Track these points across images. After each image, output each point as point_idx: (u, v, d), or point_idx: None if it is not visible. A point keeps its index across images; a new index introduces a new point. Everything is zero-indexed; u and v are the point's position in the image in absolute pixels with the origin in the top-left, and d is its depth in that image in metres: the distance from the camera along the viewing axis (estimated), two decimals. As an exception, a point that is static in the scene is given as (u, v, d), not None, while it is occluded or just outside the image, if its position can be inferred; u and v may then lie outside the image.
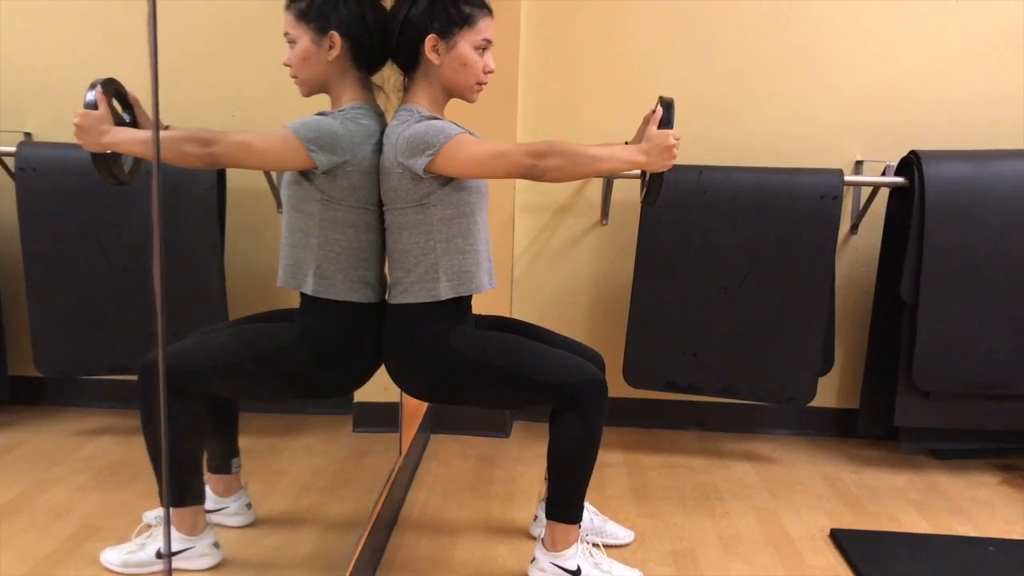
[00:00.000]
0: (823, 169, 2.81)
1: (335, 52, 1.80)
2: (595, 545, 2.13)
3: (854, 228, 3.07)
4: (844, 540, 2.31)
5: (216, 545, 1.91)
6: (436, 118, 1.84)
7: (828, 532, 2.39)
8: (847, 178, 2.81)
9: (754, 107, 3.03)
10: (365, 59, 1.86)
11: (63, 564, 1.76)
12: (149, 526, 1.88)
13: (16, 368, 2.01)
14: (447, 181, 1.81)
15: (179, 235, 2.07)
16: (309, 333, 1.84)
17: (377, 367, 1.97)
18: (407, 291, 1.87)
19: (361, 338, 1.89)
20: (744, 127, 3.04)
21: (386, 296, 1.93)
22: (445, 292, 1.86)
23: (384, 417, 2.59)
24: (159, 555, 1.79)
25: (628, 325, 2.87)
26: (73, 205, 1.91)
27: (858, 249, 3.10)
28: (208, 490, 2.02)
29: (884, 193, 2.93)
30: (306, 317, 1.86)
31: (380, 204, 1.86)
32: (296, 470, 2.47)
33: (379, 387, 2.05)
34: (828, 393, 3.16)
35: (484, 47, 1.87)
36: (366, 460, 2.62)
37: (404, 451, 2.58)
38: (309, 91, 1.87)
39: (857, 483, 2.76)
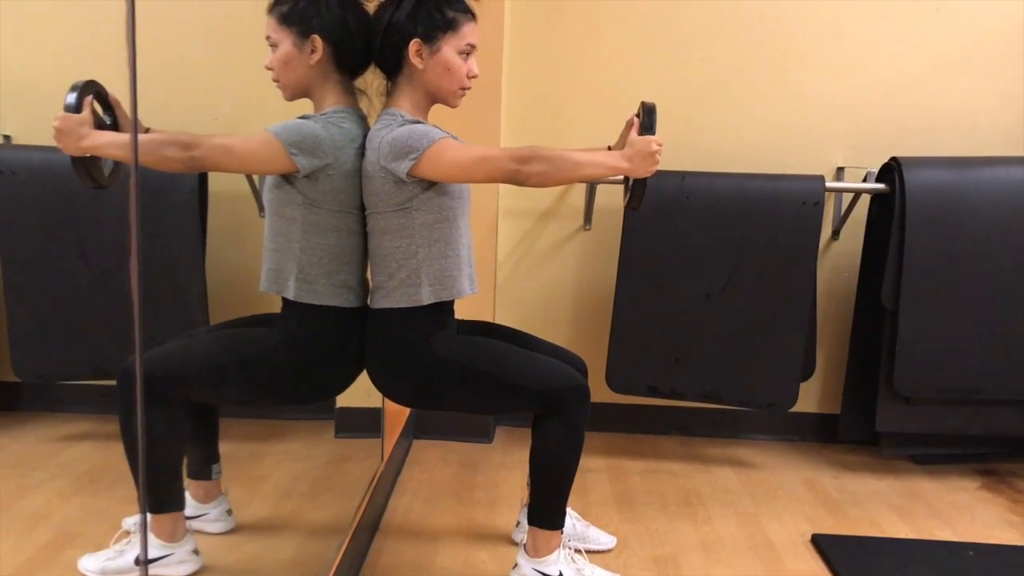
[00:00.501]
0: (805, 175, 2.83)
1: (317, 56, 1.80)
2: (577, 551, 2.13)
3: (835, 234, 3.09)
4: (825, 545, 2.32)
5: (196, 552, 1.89)
6: (419, 122, 1.84)
7: (809, 537, 2.40)
8: (828, 184, 2.82)
9: (736, 113, 3.04)
10: (347, 63, 1.86)
11: (40, 571, 1.74)
12: (128, 533, 1.86)
13: (-6, 373, 1.99)
14: (430, 185, 1.81)
15: (160, 239, 2.06)
16: (290, 338, 1.83)
17: (359, 372, 1.96)
18: (389, 296, 1.86)
19: (343, 343, 1.88)
20: (726, 133, 3.06)
21: (368, 301, 1.93)
22: (427, 297, 1.85)
23: (366, 422, 2.58)
24: (138, 562, 1.78)
25: (611, 330, 2.88)
26: (52, 208, 1.89)
27: (839, 255, 3.12)
28: (188, 496, 2.00)
29: (865, 199, 2.95)
30: (288, 322, 1.85)
31: (362, 208, 1.85)
32: (277, 476, 2.45)
33: (361, 392, 2.04)
34: (809, 399, 3.18)
35: (468, 52, 1.87)
36: (348, 466, 2.61)
37: (386, 457, 2.57)
38: (291, 95, 1.86)
39: (838, 488, 2.77)
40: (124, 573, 1.80)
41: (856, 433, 3.03)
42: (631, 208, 1.96)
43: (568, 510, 2.11)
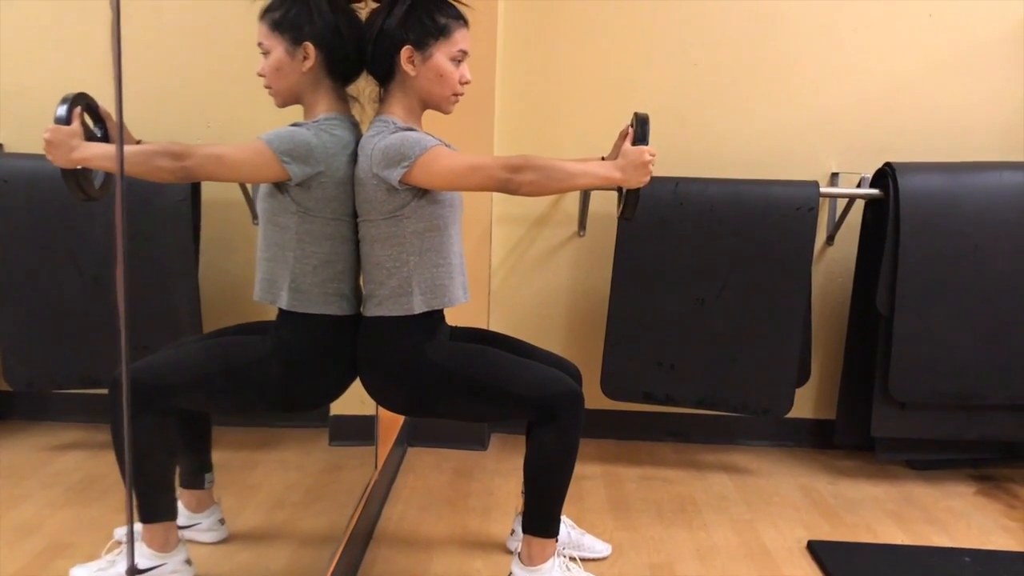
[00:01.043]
0: (799, 181, 2.83)
1: (309, 63, 1.79)
2: (572, 559, 2.12)
3: (830, 240, 3.09)
4: (821, 552, 2.31)
5: (188, 562, 1.88)
6: (412, 129, 1.83)
7: (805, 544, 2.39)
8: (823, 190, 2.82)
9: (731, 119, 3.04)
10: (339, 70, 1.85)
11: (32, 582, 1.74)
12: (120, 543, 1.85)
13: (-16, 382, 1.98)
14: (422, 194, 1.80)
15: (153, 247, 2.05)
16: (283, 346, 1.83)
17: (352, 380, 1.96)
18: (381, 304, 1.85)
19: (336, 350, 1.87)
20: (721, 139, 3.05)
21: (361, 308, 1.92)
22: (419, 306, 1.84)
23: (360, 430, 2.57)
24: (129, 572, 1.77)
25: (605, 337, 2.87)
26: (45, 217, 1.89)
27: (834, 260, 3.12)
28: (180, 505, 1.99)
29: (860, 205, 2.95)
30: (280, 330, 1.84)
31: (355, 215, 1.85)
32: (270, 484, 2.44)
33: (355, 400, 2.03)
34: (805, 404, 3.17)
35: (460, 58, 1.87)
36: (342, 474, 2.60)
37: (380, 465, 2.56)
38: (283, 102, 1.85)
39: (834, 494, 2.77)
40: (115, 584, 1.79)
41: (852, 438, 3.02)
42: (624, 218, 1.96)
43: (563, 518, 2.10)
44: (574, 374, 2.12)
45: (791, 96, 3.02)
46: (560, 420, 1.89)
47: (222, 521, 2.10)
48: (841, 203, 3.01)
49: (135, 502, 1.80)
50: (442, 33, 1.82)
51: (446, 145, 1.84)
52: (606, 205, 3.05)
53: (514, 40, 3.02)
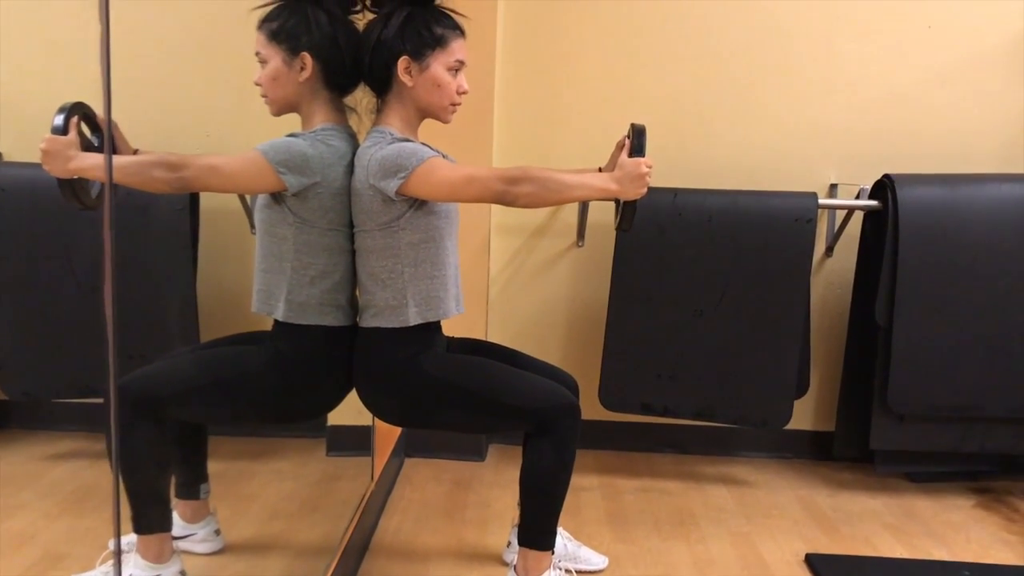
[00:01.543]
0: (798, 192, 2.83)
1: (306, 73, 1.79)
2: (568, 571, 2.12)
3: (829, 251, 3.09)
4: (819, 565, 2.30)
5: (183, 573, 1.87)
6: (409, 140, 1.83)
7: (803, 557, 2.38)
8: (821, 201, 2.83)
9: (729, 130, 3.04)
10: (337, 81, 1.86)
11: (26, 593, 1.73)
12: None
13: (-19, 391, 1.98)
14: (418, 205, 1.80)
15: (151, 256, 2.05)
16: (279, 357, 1.82)
17: (348, 390, 1.95)
18: (376, 315, 1.85)
19: (332, 361, 1.87)
20: (719, 150, 3.05)
21: (357, 319, 1.92)
22: (413, 318, 1.84)
23: (357, 441, 2.56)
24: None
25: (604, 347, 2.87)
26: (42, 225, 1.89)
27: (833, 272, 3.11)
28: (175, 516, 1.98)
29: (858, 216, 2.95)
30: (276, 341, 1.84)
31: (352, 226, 1.85)
32: (266, 495, 2.43)
33: (352, 410, 2.03)
34: (804, 416, 3.16)
35: (457, 68, 1.87)
36: (338, 485, 2.59)
37: (377, 476, 2.56)
38: (279, 111, 1.86)
39: (833, 507, 2.76)
40: (109, 594, 1.78)
41: (850, 451, 3.02)
42: (622, 230, 1.96)
43: (559, 530, 2.10)
44: (571, 386, 2.12)
45: (790, 107, 3.02)
46: (556, 432, 1.89)
47: (218, 532, 2.09)
48: (840, 214, 3.01)
49: (131, 513, 1.80)
50: (439, 43, 1.82)
51: (443, 156, 1.84)
52: (605, 215, 3.04)
53: (513, 50, 3.03)
